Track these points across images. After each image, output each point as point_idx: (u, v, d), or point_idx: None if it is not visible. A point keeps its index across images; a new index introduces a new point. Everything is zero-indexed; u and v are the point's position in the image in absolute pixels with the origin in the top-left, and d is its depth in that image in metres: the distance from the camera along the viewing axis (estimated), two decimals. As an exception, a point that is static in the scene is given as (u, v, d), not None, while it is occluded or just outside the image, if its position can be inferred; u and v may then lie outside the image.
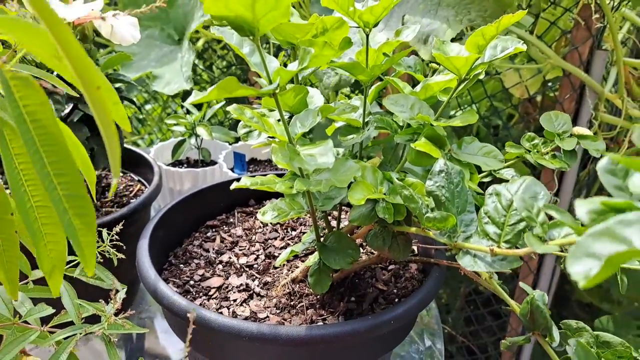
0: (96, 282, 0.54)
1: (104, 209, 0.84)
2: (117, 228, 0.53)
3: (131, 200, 0.86)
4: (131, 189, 0.89)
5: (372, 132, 0.56)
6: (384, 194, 0.45)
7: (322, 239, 0.56)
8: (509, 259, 0.34)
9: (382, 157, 0.60)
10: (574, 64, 1.00)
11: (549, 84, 1.22)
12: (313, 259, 0.58)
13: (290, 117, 0.54)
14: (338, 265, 0.53)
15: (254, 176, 0.49)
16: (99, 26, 0.72)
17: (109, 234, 0.55)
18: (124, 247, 0.58)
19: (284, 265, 0.66)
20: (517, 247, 0.34)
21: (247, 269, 0.66)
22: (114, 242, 0.55)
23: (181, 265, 0.67)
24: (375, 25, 0.52)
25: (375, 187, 0.45)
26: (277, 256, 0.69)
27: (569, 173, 1.08)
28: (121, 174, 0.95)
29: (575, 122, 1.03)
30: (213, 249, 0.70)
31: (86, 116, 0.72)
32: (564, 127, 0.62)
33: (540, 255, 1.19)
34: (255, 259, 0.68)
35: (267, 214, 0.51)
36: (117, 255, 0.56)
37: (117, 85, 0.78)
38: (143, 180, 0.92)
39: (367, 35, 0.52)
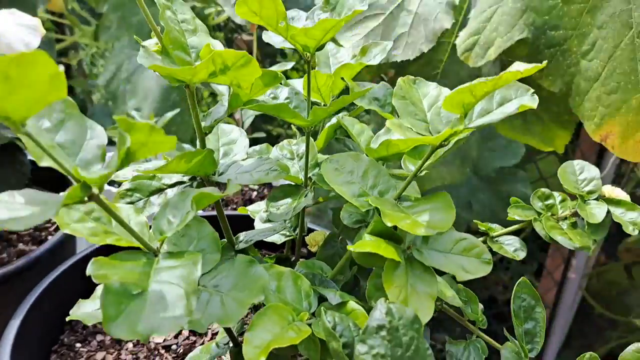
0: None
1: (18, 246, 0.69)
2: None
3: (49, 237, 0.70)
4: (53, 220, 0.74)
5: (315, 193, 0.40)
6: (313, 316, 0.29)
7: (240, 338, 0.40)
8: None
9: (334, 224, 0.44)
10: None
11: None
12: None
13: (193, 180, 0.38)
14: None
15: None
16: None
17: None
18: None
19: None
20: None
21: (162, 352, 0.51)
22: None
23: (77, 345, 0.51)
24: (320, 49, 0.35)
25: (296, 311, 0.29)
26: (204, 332, 0.53)
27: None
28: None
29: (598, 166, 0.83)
30: (126, 318, 0.55)
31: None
32: (591, 185, 0.46)
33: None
34: (176, 336, 0.53)
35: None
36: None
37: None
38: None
39: (308, 63, 0.36)
